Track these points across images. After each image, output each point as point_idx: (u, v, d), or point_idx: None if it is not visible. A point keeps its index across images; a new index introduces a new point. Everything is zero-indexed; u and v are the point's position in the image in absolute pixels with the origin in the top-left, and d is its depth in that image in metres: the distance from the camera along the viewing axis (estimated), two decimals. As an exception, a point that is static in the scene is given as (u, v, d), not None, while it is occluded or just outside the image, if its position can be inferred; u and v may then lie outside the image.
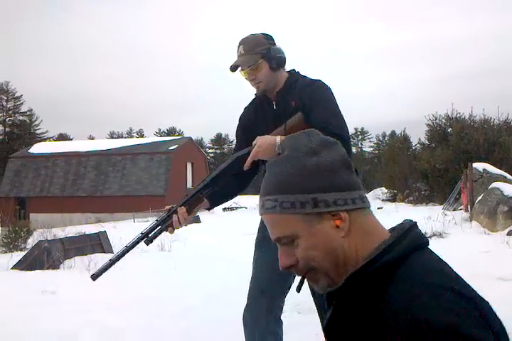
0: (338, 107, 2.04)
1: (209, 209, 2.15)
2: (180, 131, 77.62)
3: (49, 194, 28.19)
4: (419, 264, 0.85)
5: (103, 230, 8.02)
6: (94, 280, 1.87)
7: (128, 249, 1.93)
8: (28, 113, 60.51)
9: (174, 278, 5.12)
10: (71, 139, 60.47)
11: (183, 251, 7.49)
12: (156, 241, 7.57)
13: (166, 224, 1.99)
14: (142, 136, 75.54)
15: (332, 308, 0.88)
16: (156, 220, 2.00)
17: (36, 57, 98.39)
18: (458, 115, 19.78)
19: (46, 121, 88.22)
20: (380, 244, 0.88)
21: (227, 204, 32.60)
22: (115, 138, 69.83)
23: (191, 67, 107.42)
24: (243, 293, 4.16)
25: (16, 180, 29.13)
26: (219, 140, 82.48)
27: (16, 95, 58.96)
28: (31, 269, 5.78)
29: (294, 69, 2.16)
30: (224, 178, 2.04)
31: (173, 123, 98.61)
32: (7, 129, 58.56)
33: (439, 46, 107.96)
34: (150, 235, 1.97)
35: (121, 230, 12.94)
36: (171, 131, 77.18)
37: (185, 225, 2.02)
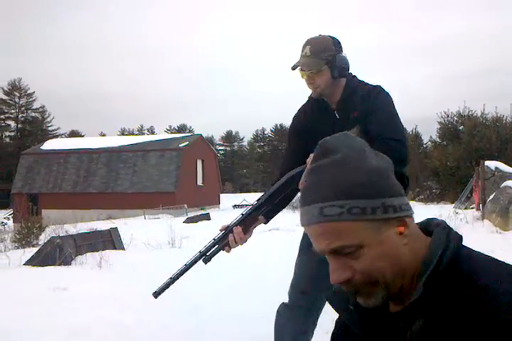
0: (397, 115, 2.01)
1: (265, 223, 2.13)
2: (190, 128, 77.80)
3: (61, 190, 28.43)
4: (478, 258, 0.86)
5: (114, 227, 8.07)
6: (155, 297, 1.89)
7: (187, 267, 1.95)
8: (40, 109, 61.11)
9: (184, 275, 5.14)
10: (82, 136, 60.83)
11: (194, 248, 7.49)
12: (166, 238, 7.62)
13: (222, 244, 1.98)
14: (153, 132, 75.86)
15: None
16: (213, 239, 1.99)
17: (48, 54, 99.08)
18: (470, 112, 19.63)
19: (58, 118, 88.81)
20: (431, 245, 0.86)
21: (236, 202, 32.71)
22: (126, 135, 70.19)
23: (202, 65, 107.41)
24: (252, 291, 4.20)
25: (29, 177, 29.40)
26: (229, 137, 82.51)
27: (28, 92, 59.53)
28: (43, 265, 5.83)
29: (351, 73, 2.11)
30: (278, 196, 2.01)
31: (183, 120, 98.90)
32: (19, 126, 59.13)
33: (451, 44, 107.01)
34: (208, 254, 1.97)
35: (132, 227, 13.04)
36: (182, 128, 77.38)
37: (241, 245, 2.00)
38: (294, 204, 11.62)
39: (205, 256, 1.98)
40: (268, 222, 2.12)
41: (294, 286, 2.21)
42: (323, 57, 2.00)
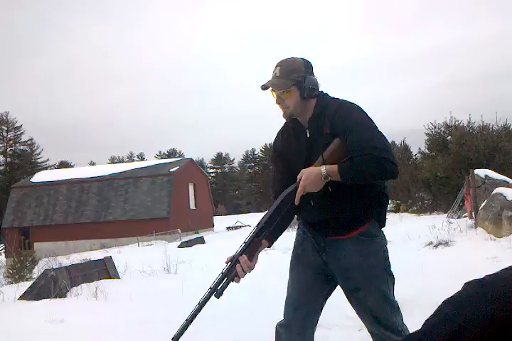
0: (374, 126, 2.00)
1: (269, 246, 2.15)
2: (180, 152, 77.89)
3: (52, 222, 28.16)
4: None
5: (108, 256, 7.99)
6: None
7: (201, 306, 2.00)
8: (28, 142, 60.95)
9: (182, 300, 5.08)
10: (72, 166, 60.68)
11: (190, 273, 7.45)
12: (161, 264, 7.54)
13: (231, 275, 2.00)
14: (143, 159, 75.82)
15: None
16: (221, 273, 2.01)
17: (34, 86, 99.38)
18: (456, 123, 19.85)
19: (47, 150, 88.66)
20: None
21: (230, 223, 32.61)
22: (116, 162, 70.06)
23: (188, 89, 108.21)
24: (251, 313, 4.16)
25: (19, 210, 29.12)
26: (220, 159, 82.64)
27: (15, 125, 59.44)
28: (38, 299, 5.75)
29: (321, 92, 2.14)
30: (277, 218, 2.03)
31: (173, 145, 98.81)
32: (8, 159, 58.85)
33: (434, 56, 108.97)
34: (219, 288, 1.99)
35: (126, 255, 12.91)
36: (172, 153, 77.45)
37: (249, 272, 2.01)
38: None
39: (216, 291, 2.00)
40: (272, 244, 2.12)
41: (287, 305, 2.22)
42: (292, 77, 2.05)
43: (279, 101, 2.09)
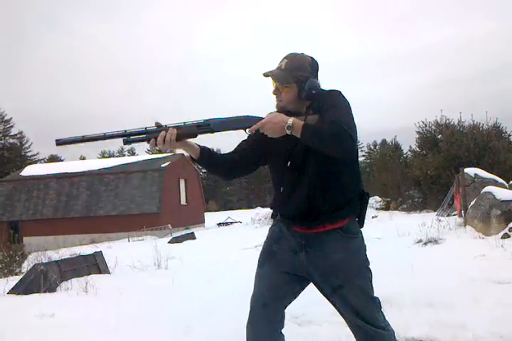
0: (349, 111, 2.03)
1: (194, 160, 2.11)
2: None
3: (42, 216, 27.97)
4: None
5: (98, 251, 7.97)
6: (56, 145, 1.98)
7: (105, 137, 1.99)
8: (18, 136, 60.37)
9: (172, 295, 5.10)
10: (62, 160, 60.25)
11: (180, 268, 7.46)
12: (152, 259, 7.53)
13: (151, 135, 1.97)
14: (134, 154, 75.43)
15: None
16: (145, 128, 1.99)
17: (24, 79, 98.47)
18: (447, 121, 19.98)
19: (36, 143, 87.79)
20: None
21: (221, 219, 32.57)
22: (107, 157, 69.67)
23: (182, 83, 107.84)
24: (242, 308, 4.16)
25: (8, 204, 28.89)
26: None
27: (5, 118, 58.86)
28: (28, 293, 5.73)
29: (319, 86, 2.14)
30: (225, 127, 2.04)
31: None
32: (-3, 153, 58.33)
33: (425, 54, 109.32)
34: (132, 137, 1.98)
35: (117, 250, 12.88)
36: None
37: (166, 150, 2.03)
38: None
39: (128, 137, 1.99)
40: (196, 161, 2.10)
41: (255, 300, 2.18)
42: (295, 74, 2.06)
43: (276, 92, 2.12)
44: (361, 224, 2.17)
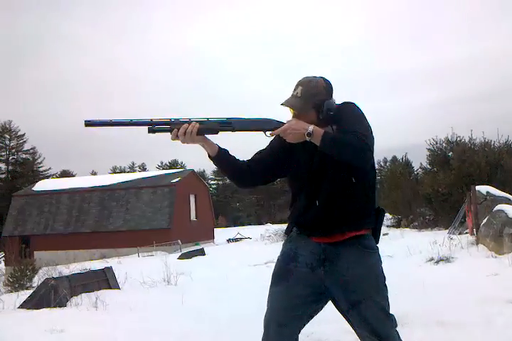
0: (366, 121, 2.07)
1: (211, 157, 2.14)
2: (182, 163, 77.95)
3: (53, 231, 28.13)
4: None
5: (109, 266, 7.99)
6: (85, 126, 2.05)
7: (132, 123, 2.04)
8: (31, 151, 61.07)
9: (182, 312, 5.09)
10: (74, 175, 60.70)
11: (190, 284, 7.44)
12: (161, 275, 7.51)
13: (175, 127, 2.03)
14: (145, 169, 75.85)
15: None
16: (171, 119, 2.04)
17: (37, 95, 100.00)
18: (458, 139, 19.90)
19: (49, 159, 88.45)
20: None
21: (231, 235, 32.49)
22: (118, 172, 70.14)
23: (192, 99, 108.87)
24: (251, 325, 4.15)
25: (20, 219, 29.11)
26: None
27: (18, 134, 59.66)
28: (38, 308, 5.74)
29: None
30: (246, 127, 2.10)
31: (175, 156, 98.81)
32: (10, 168, 58.94)
33: (437, 71, 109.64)
34: (157, 127, 2.03)
35: (126, 265, 12.88)
36: (173, 164, 77.52)
37: (186, 142, 2.06)
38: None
39: (153, 126, 2.04)
40: (214, 159, 2.13)
41: (270, 319, 2.15)
42: (312, 101, 2.09)
43: (296, 118, 2.13)
44: (377, 240, 2.18)
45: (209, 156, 2.16)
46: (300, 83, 2.13)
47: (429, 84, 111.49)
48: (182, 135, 2.04)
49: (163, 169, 68.18)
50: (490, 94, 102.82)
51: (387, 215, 24.08)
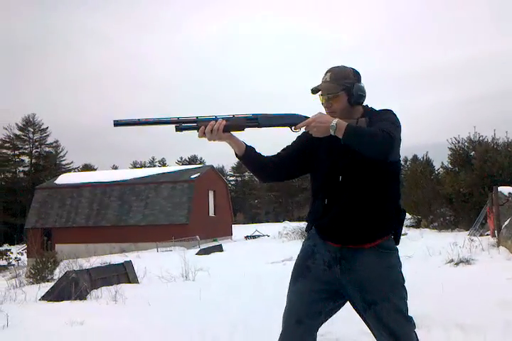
0: (398, 125, 2.07)
1: (239, 157, 2.17)
2: (201, 159, 78.34)
3: (74, 224, 28.55)
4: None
5: (128, 260, 8.10)
6: (114, 126, 2.09)
7: (159, 122, 2.07)
8: (53, 144, 62.06)
9: (200, 307, 5.14)
10: (95, 169, 61.50)
11: (208, 280, 7.50)
12: (180, 270, 7.59)
13: (201, 124, 2.05)
14: (164, 164, 76.43)
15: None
16: (197, 117, 2.07)
17: (61, 88, 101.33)
18: (481, 138, 19.60)
19: (71, 152, 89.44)
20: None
21: (249, 232, 32.54)
22: (138, 167, 70.83)
23: (211, 96, 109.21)
24: (268, 322, 4.18)
25: (43, 211, 29.60)
26: (240, 167, 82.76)
27: (42, 127, 60.65)
28: (59, 300, 5.85)
29: (367, 105, 2.24)
30: (272, 123, 2.12)
31: (194, 151, 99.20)
32: (33, 161, 59.96)
33: (461, 69, 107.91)
34: (184, 125, 2.06)
35: (146, 260, 13.03)
36: (193, 160, 77.96)
37: (213, 140, 2.08)
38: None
39: (180, 124, 2.07)
40: (241, 158, 2.17)
41: (289, 316, 2.17)
42: (342, 83, 2.12)
43: (327, 105, 2.16)
44: (397, 241, 2.17)
45: (236, 155, 2.18)
46: (328, 70, 2.19)
47: (452, 82, 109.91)
48: (209, 132, 2.05)
49: (183, 164, 68.63)
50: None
51: (407, 215, 23.86)
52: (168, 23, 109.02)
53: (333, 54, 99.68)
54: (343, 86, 2.11)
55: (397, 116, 2.14)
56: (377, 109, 2.21)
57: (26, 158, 60.15)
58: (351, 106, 2.13)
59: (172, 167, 40.85)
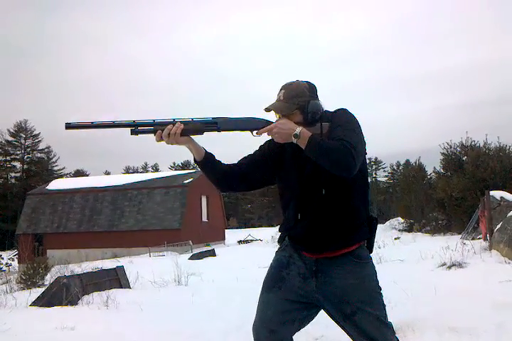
0: (357, 128, 2.02)
1: (197, 161, 2.12)
2: (194, 164, 77.98)
3: (66, 230, 28.36)
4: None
5: (120, 265, 8.04)
6: (66, 129, 2.02)
7: (114, 125, 1.99)
8: (45, 150, 61.70)
9: (192, 312, 5.10)
10: (87, 175, 61.20)
11: (200, 285, 7.46)
12: (172, 275, 7.55)
13: (158, 128, 1.99)
14: (157, 170, 76.26)
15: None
16: (153, 120, 2.00)
17: (53, 95, 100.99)
18: (473, 143, 19.73)
19: (63, 158, 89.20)
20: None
21: (241, 237, 32.47)
22: (131, 172, 70.62)
23: (206, 102, 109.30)
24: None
25: (34, 217, 29.40)
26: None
27: (33, 133, 60.30)
28: (50, 305, 5.80)
29: (326, 111, 2.14)
30: (232, 127, 2.05)
31: (187, 156, 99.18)
32: (25, 166, 59.58)
33: (451, 75, 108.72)
34: (139, 128, 1.99)
35: (138, 265, 12.95)
36: (186, 165, 77.81)
37: (171, 143, 2.01)
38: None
39: (136, 128, 1.99)
40: (200, 163, 2.11)
41: (261, 325, 2.13)
42: (296, 102, 2.05)
43: None
44: (370, 249, 2.16)
45: (195, 160, 2.13)
46: (282, 87, 2.12)
47: (444, 89, 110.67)
48: (166, 136, 1.99)
49: (176, 170, 68.49)
50: (506, 98, 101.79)
51: (399, 219, 23.93)
52: (164, 26, 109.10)
53: (336, 58, 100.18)
54: (296, 105, 2.05)
55: (355, 117, 2.08)
56: (331, 110, 2.13)
57: (18, 164, 59.80)
58: (307, 124, 2.04)
59: (165, 172, 40.73)
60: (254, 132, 2.06)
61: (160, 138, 2.01)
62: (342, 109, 2.12)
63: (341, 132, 1.94)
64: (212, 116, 2.07)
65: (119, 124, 2.00)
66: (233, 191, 2.32)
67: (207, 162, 2.12)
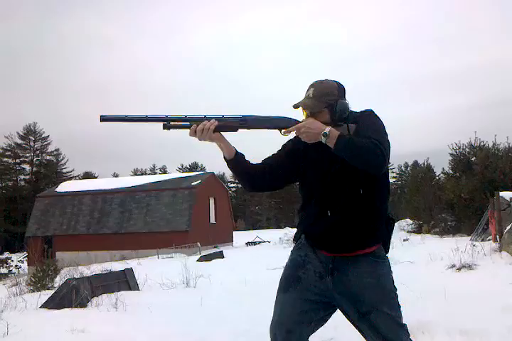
0: (383, 129, 2.04)
1: (227, 160, 2.12)
2: (202, 166, 78.31)
3: (75, 232, 28.51)
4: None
5: (129, 267, 8.07)
6: (101, 121, 2.02)
7: (147, 119, 2.01)
8: (54, 152, 62.09)
9: (201, 314, 5.11)
10: (96, 177, 61.44)
11: (209, 287, 7.47)
12: (180, 277, 7.55)
13: (193, 123, 1.99)
14: (165, 172, 76.41)
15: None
16: (186, 115, 2.01)
17: (62, 97, 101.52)
18: (481, 144, 19.61)
19: (72, 160, 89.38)
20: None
21: (249, 239, 32.44)
22: (139, 174, 70.84)
23: (213, 104, 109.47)
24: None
25: (43, 219, 29.57)
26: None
27: (43, 136, 60.71)
28: (60, 308, 5.82)
29: (351, 112, 2.15)
30: (261, 125, 2.07)
31: (195, 158, 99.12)
32: (34, 169, 59.96)
33: (461, 75, 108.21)
34: (172, 123, 2.01)
35: (146, 267, 12.98)
36: (194, 167, 77.97)
37: (203, 139, 2.02)
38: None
39: (168, 122, 2.00)
40: (230, 162, 2.10)
41: (279, 325, 2.12)
42: (325, 100, 2.07)
43: None
44: (386, 249, 2.15)
45: (224, 158, 2.13)
46: (312, 85, 2.13)
47: (453, 89, 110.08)
48: (200, 131, 2.00)
49: (184, 172, 68.62)
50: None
51: (408, 220, 23.81)
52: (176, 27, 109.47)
53: (346, 60, 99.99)
54: (325, 103, 2.06)
55: (380, 119, 2.10)
56: (357, 112, 2.15)
57: (27, 167, 60.19)
58: (334, 122, 2.05)
59: (173, 174, 40.86)
60: (283, 131, 2.08)
61: (194, 133, 2.02)
62: (369, 110, 2.14)
63: (368, 132, 1.97)
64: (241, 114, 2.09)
65: (152, 119, 2.01)
66: (261, 191, 2.33)
67: (237, 161, 2.13)
